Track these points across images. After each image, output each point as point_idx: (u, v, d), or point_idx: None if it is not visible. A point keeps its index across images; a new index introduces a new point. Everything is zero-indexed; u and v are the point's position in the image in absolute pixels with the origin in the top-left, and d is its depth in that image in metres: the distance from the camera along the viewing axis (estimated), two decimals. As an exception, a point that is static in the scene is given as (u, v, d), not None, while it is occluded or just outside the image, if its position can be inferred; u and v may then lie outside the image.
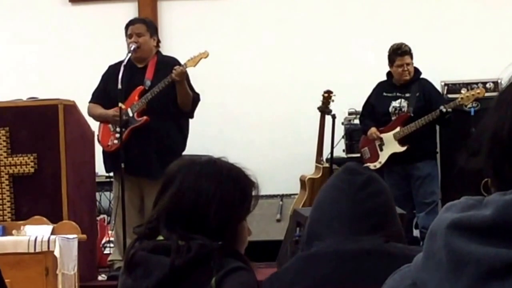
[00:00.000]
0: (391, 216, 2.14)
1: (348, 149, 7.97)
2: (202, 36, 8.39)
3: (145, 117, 6.40)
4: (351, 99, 7.76)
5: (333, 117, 7.09)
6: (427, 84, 7.27)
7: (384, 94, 7.26)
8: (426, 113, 6.99)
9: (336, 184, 2.14)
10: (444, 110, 6.92)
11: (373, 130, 7.22)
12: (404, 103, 7.15)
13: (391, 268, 1.93)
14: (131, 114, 6.42)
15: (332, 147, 7.16)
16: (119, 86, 6.21)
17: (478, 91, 7.04)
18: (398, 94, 7.20)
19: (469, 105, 7.05)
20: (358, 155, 7.72)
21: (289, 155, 8.03)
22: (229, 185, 2.18)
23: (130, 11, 8.32)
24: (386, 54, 7.21)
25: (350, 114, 8.05)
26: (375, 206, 2.10)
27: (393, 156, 7.16)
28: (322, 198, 2.17)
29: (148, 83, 6.47)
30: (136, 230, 2.29)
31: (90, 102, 6.64)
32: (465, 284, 1.08)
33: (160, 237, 2.18)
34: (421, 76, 7.29)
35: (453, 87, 7.76)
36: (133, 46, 6.42)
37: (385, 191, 2.16)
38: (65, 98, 6.02)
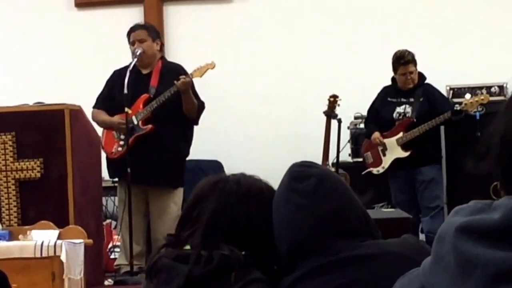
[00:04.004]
0: (351, 209, 2.08)
1: (354, 154, 7.97)
2: (207, 40, 8.40)
3: (150, 126, 6.39)
4: (357, 104, 7.75)
5: (339, 121, 7.07)
6: (431, 89, 7.24)
7: (389, 99, 7.24)
8: (430, 118, 6.97)
9: (289, 198, 2.08)
10: (457, 108, 6.91)
11: (376, 135, 7.22)
12: (408, 109, 7.13)
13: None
14: (135, 122, 6.41)
15: (338, 152, 7.14)
16: (125, 91, 6.20)
17: (482, 97, 7.01)
18: (402, 99, 7.18)
19: (474, 110, 7.04)
20: (364, 159, 7.72)
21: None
22: (267, 204, 2.16)
23: (136, 16, 8.32)
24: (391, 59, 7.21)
25: (356, 118, 8.05)
26: (334, 208, 2.04)
27: (397, 161, 7.15)
28: (279, 215, 2.10)
29: (153, 90, 6.46)
30: (165, 237, 2.29)
31: (94, 107, 6.62)
32: (473, 288, 1.08)
33: (187, 247, 2.17)
34: (426, 81, 7.28)
35: (458, 91, 7.75)
36: (138, 51, 6.41)
37: (337, 186, 2.11)
38: (71, 102, 6.02)
